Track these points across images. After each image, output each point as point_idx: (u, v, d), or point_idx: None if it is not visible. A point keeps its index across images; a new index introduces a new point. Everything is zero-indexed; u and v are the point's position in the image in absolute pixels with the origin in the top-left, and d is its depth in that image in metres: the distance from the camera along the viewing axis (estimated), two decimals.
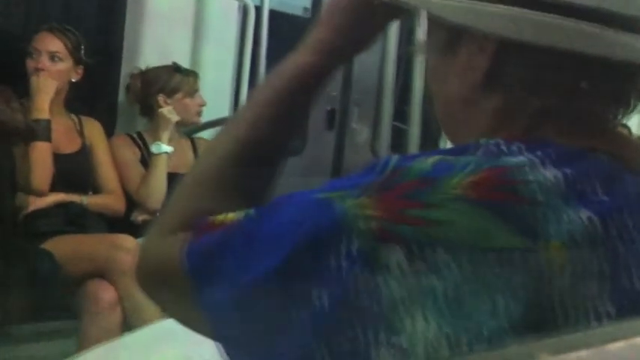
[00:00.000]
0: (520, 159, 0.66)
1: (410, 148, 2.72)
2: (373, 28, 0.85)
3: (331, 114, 4.40)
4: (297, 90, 0.81)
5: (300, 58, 0.82)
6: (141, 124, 3.21)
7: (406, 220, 0.63)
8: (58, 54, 2.82)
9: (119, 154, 3.03)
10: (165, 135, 2.99)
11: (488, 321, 0.61)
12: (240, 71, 3.40)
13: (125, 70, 3.26)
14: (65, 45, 2.84)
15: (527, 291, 0.62)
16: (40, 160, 2.63)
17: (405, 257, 0.62)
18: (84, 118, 3.00)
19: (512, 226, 0.63)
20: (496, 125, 0.73)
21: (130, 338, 1.34)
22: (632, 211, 0.67)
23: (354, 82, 4.40)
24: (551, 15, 0.67)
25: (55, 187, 2.72)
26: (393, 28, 2.70)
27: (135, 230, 2.82)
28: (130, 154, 3.05)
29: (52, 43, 2.82)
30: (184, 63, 3.24)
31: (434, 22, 0.76)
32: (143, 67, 3.18)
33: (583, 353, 0.39)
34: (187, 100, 3.12)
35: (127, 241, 2.58)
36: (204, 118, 3.32)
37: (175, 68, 3.15)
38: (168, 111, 3.02)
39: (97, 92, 3.32)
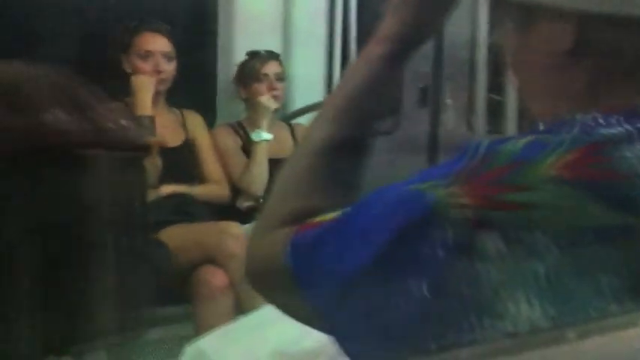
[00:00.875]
0: (617, 131, 0.65)
1: (507, 119, 2.68)
2: (438, 16, 0.86)
3: (424, 91, 4.36)
4: (375, 80, 0.83)
5: (373, 49, 0.84)
6: (238, 113, 3.28)
7: (500, 206, 0.63)
8: (169, 54, 2.89)
9: (221, 144, 3.10)
10: (265, 122, 3.04)
11: (593, 300, 0.61)
12: (331, 55, 3.42)
13: (221, 65, 3.33)
14: (172, 43, 2.91)
15: (630, 266, 0.61)
16: (149, 157, 2.65)
17: (503, 242, 0.62)
18: (186, 112, 3.07)
19: (610, 203, 0.62)
20: (590, 93, 0.72)
21: (246, 320, 1.40)
22: None
23: (445, 58, 4.35)
24: None
25: (163, 180, 2.79)
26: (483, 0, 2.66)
27: (241, 216, 2.89)
28: (231, 143, 3.12)
29: (163, 44, 2.89)
30: (277, 50, 3.27)
31: (508, 3, 0.77)
32: (238, 61, 3.23)
33: None
34: (278, 85, 3.15)
35: (234, 228, 2.64)
36: (299, 104, 3.38)
37: (250, 54, 3.19)
38: (267, 99, 3.06)
39: (197, 86, 3.40)
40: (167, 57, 2.89)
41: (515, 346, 0.45)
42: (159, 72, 2.85)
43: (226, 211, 3.00)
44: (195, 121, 3.08)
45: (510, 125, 2.68)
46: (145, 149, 0.67)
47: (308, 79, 3.41)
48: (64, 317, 0.63)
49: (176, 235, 2.62)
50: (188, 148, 2.99)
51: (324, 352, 1.07)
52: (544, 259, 0.61)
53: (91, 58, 3.07)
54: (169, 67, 2.89)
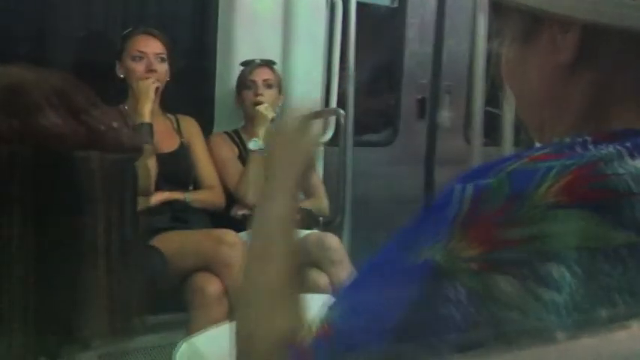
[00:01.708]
0: (608, 151, 0.64)
1: (505, 133, 2.68)
2: None
3: (421, 102, 4.38)
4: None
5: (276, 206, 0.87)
6: (237, 121, 3.29)
7: (508, 244, 0.62)
8: (162, 55, 2.90)
9: (218, 152, 3.10)
10: (262, 131, 3.03)
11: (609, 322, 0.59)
12: (330, 64, 3.43)
13: (220, 68, 3.33)
14: (165, 46, 2.92)
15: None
16: (144, 163, 2.67)
17: (518, 280, 0.60)
18: (180, 117, 3.07)
19: (612, 222, 0.61)
20: (586, 109, 0.71)
21: None
22: None
23: (443, 70, 4.37)
24: None
25: (158, 186, 2.79)
26: (483, 12, 2.67)
27: (236, 224, 2.89)
28: (228, 151, 3.12)
29: (155, 45, 2.90)
30: (276, 58, 3.29)
31: (510, 11, 0.76)
32: (236, 64, 3.24)
33: None
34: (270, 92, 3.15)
35: (230, 236, 2.64)
36: None
37: (243, 63, 3.20)
38: (265, 108, 3.07)
39: (194, 90, 3.41)
40: (160, 58, 2.90)
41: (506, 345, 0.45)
42: (152, 72, 2.85)
43: (221, 218, 2.99)
44: (189, 126, 3.08)
45: (507, 138, 2.69)
46: (137, 151, 0.67)
47: (306, 87, 3.41)
48: (57, 321, 0.63)
49: (171, 242, 2.61)
50: (183, 153, 2.99)
51: None
52: (560, 288, 0.60)
53: (85, 63, 3.08)
54: (162, 69, 2.90)
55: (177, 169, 2.94)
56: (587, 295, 0.60)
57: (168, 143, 2.95)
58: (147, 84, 2.82)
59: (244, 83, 3.15)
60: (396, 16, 4.24)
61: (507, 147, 2.67)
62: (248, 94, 3.13)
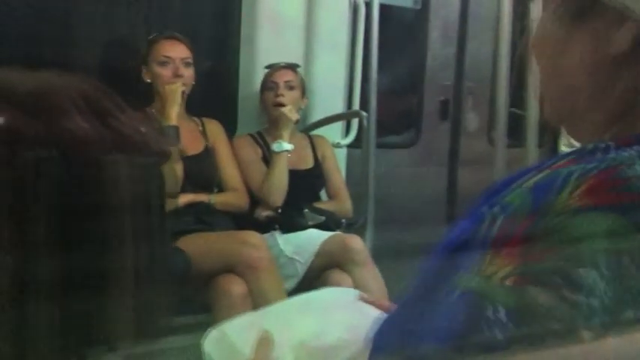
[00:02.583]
0: (629, 154, 0.64)
1: (529, 134, 2.67)
2: None
3: (445, 104, 4.37)
4: None
5: None
6: (261, 123, 3.30)
7: (537, 255, 0.61)
8: (187, 59, 2.93)
9: (242, 154, 3.12)
10: (286, 133, 3.06)
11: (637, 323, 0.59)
12: (352, 66, 3.44)
13: (243, 72, 3.35)
14: (190, 50, 2.95)
15: None
16: (171, 166, 2.69)
17: (553, 290, 0.60)
18: (205, 120, 3.10)
19: (637, 224, 0.61)
20: (621, 107, 0.70)
21: (271, 308, 1.40)
22: None
23: (467, 71, 4.35)
24: None
25: (183, 188, 2.81)
26: (507, 12, 2.65)
27: (260, 226, 2.91)
28: (252, 153, 3.13)
29: (181, 50, 2.93)
30: (298, 61, 3.30)
31: None
32: (259, 67, 3.26)
33: None
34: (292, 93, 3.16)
35: (254, 238, 2.66)
36: (319, 115, 3.39)
37: (268, 66, 3.22)
38: (289, 110, 3.08)
39: (218, 93, 3.43)
40: (186, 63, 2.93)
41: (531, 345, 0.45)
42: (179, 77, 2.88)
43: (245, 219, 3.01)
44: (214, 129, 3.10)
45: (531, 140, 2.67)
46: (164, 155, 0.68)
47: (328, 90, 3.42)
48: (85, 323, 0.64)
49: (196, 244, 2.63)
50: (208, 155, 3.01)
51: (347, 348, 1.08)
52: (595, 293, 0.60)
53: (112, 68, 3.11)
54: (188, 73, 2.93)
55: (202, 172, 2.96)
56: (615, 298, 0.60)
57: (193, 146, 2.98)
58: (174, 88, 2.85)
59: (266, 84, 3.17)
60: (419, 17, 4.24)
61: (531, 149, 2.66)
62: (269, 95, 3.15)
